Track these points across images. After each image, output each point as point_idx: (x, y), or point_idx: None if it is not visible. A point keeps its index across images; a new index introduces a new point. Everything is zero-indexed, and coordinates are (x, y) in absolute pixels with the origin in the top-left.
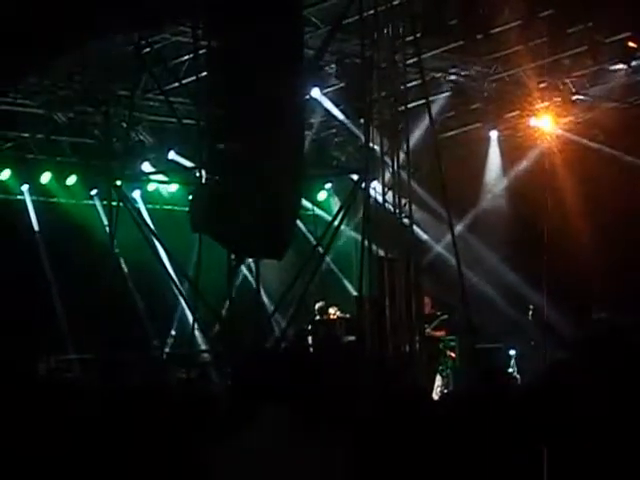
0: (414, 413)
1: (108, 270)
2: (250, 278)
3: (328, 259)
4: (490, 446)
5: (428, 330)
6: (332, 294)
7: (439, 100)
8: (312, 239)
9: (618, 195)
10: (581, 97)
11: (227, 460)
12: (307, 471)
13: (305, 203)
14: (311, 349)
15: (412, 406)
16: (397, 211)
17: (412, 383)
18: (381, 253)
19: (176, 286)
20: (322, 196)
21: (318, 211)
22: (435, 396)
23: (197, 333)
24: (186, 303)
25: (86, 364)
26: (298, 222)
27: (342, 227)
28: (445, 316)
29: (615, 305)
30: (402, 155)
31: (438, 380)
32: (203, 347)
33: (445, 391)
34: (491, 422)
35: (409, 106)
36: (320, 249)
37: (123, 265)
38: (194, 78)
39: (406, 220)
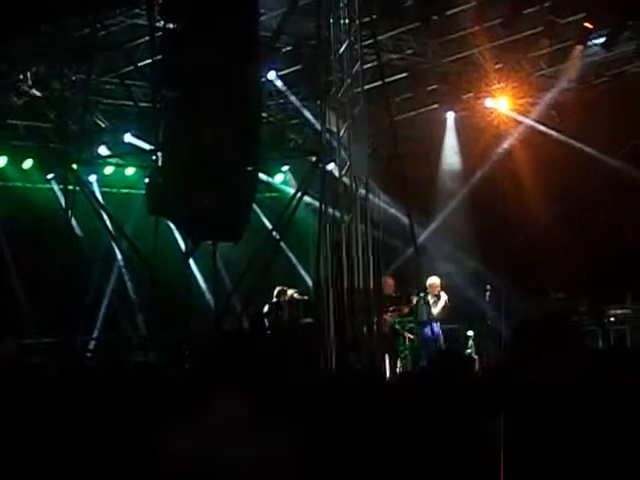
0: (367, 394)
1: (67, 253)
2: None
3: (285, 247)
4: (442, 426)
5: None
6: (292, 283)
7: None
8: (267, 222)
9: (572, 178)
10: (537, 78)
11: (182, 443)
12: (260, 453)
13: (261, 185)
14: (268, 331)
15: (365, 387)
16: (354, 189)
17: (367, 364)
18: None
19: (131, 268)
20: (279, 178)
21: (276, 192)
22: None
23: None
24: (139, 286)
25: (47, 347)
26: (254, 205)
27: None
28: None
29: (571, 286)
30: None
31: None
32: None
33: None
34: (445, 402)
35: (365, 88)
36: (276, 234)
37: (83, 247)
38: (149, 61)
39: (363, 200)
